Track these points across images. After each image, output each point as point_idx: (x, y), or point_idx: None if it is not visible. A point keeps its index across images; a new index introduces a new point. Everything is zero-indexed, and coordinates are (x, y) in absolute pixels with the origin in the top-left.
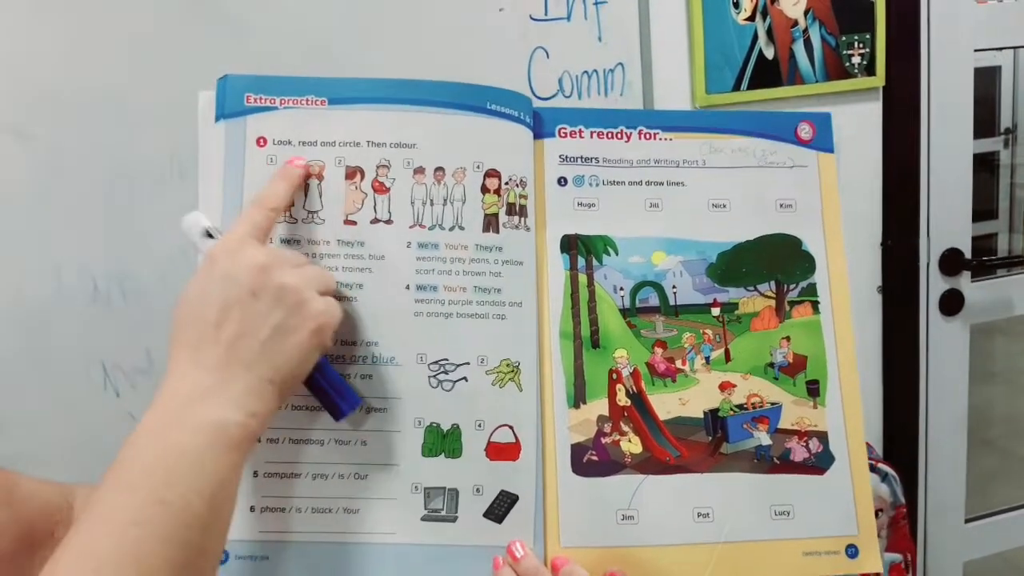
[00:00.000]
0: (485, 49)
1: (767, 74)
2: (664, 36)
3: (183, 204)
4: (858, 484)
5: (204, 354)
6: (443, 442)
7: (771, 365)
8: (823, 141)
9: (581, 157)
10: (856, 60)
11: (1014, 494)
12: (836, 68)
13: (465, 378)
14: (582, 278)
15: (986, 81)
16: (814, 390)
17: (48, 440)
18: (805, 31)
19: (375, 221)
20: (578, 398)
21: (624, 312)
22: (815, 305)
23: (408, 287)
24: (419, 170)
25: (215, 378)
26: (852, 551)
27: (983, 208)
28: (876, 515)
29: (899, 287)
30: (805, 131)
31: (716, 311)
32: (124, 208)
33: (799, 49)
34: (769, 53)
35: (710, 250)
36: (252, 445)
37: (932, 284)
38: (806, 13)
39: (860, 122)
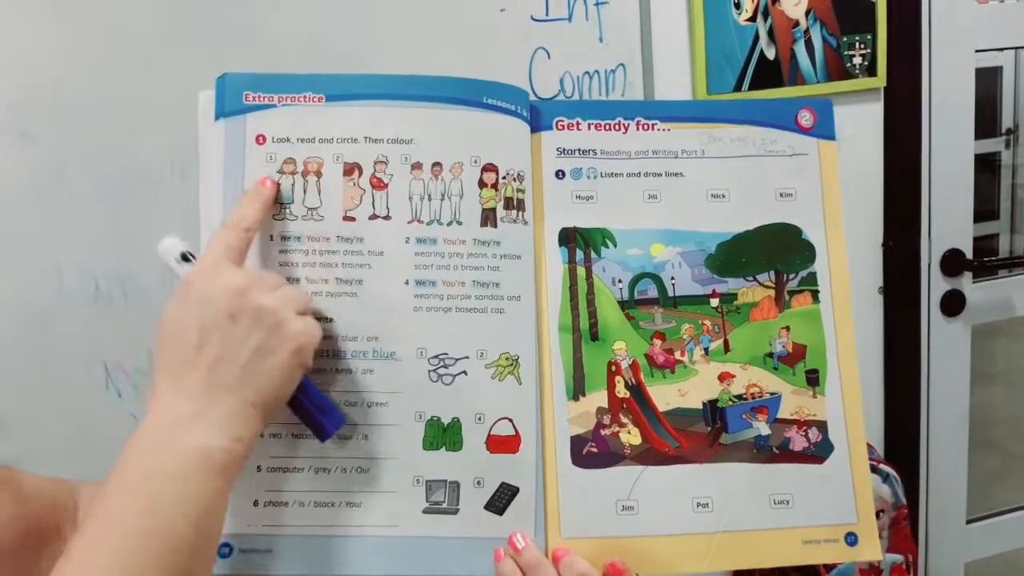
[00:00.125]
0: (486, 50)
1: (768, 74)
2: (665, 36)
3: (184, 204)
4: (857, 473)
5: (186, 380)
6: (444, 435)
7: (770, 355)
8: (824, 128)
9: (579, 149)
10: (857, 60)
11: (1015, 495)
12: (837, 68)
13: (465, 372)
14: (580, 271)
15: (987, 81)
16: (813, 380)
17: (50, 440)
18: (806, 31)
19: (374, 217)
20: (577, 390)
21: (623, 304)
22: (815, 294)
23: (407, 282)
24: (416, 165)
25: (198, 404)
26: (851, 539)
27: (984, 209)
28: (877, 516)
29: (900, 288)
30: (806, 118)
31: (715, 302)
32: (125, 208)
33: (800, 49)
34: (770, 54)
35: (709, 241)
36: (238, 469)
37: (933, 285)
38: (807, 14)
39: (861, 122)
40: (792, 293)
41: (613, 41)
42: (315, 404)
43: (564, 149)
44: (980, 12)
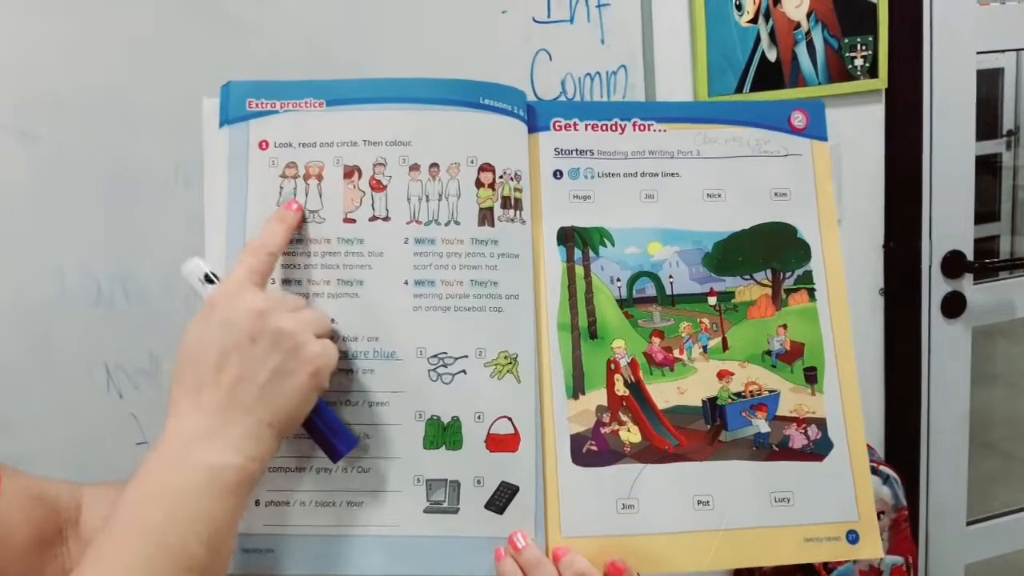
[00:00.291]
0: (488, 51)
1: (770, 76)
2: (667, 38)
3: (186, 206)
4: (857, 470)
5: (204, 398)
6: (444, 434)
7: (768, 353)
8: (817, 129)
9: (576, 150)
10: (859, 62)
11: (1015, 497)
12: (839, 70)
13: (464, 371)
14: (579, 270)
15: (989, 83)
16: (812, 377)
17: (51, 441)
18: (808, 33)
19: (373, 219)
20: (577, 389)
21: (621, 303)
22: (811, 292)
23: (406, 282)
24: (414, 167)
25: (215, 422)
26: (853, 537)
27: (986, 210)
28: (878, 517)
29: (901, 289)
30: (799, 119)
31: (713, 300)
32: (127, 210)
33: (802, 51)
34: (772, 55)
35: (706, 240)
36: (251, 488)
37: (934, 286)
38: (809, 15)
39: (862, 124)
40: (789, 291)
41: (615, 43)
42: (328, 425)
43: (561, 149)
44: (981, 14)
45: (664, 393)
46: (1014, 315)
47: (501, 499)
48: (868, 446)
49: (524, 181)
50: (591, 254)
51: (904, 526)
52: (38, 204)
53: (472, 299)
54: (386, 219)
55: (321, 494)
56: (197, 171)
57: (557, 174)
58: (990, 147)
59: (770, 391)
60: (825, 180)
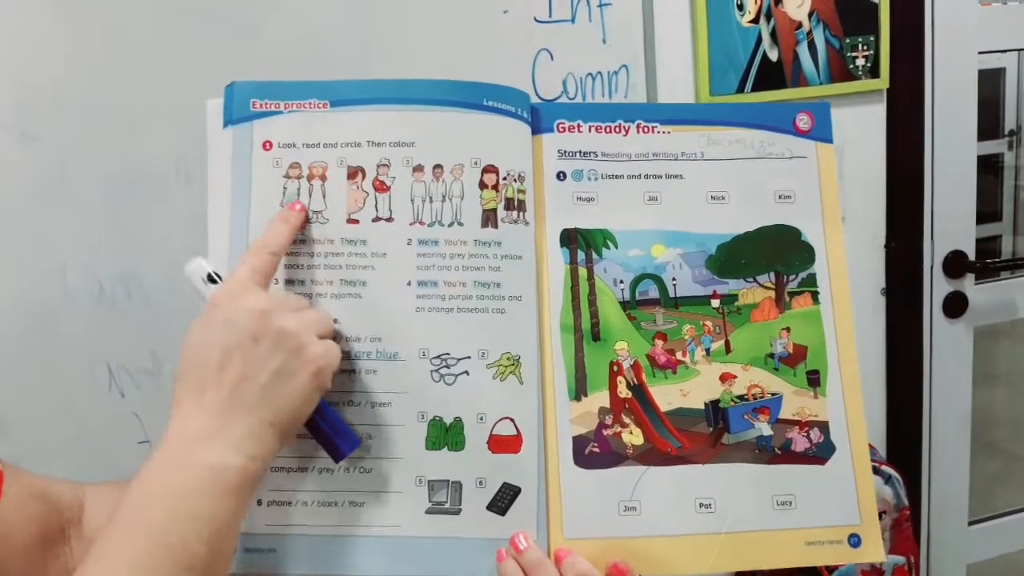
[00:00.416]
0: (489, 51)
1: (771, 76)
2: (668, 38)
3: (188, 204)
4: (860, 474)
5: (207, 397)
6: (446, 435)
7: (771, 356)
8: (822, 131)
9: (580, 151)
10: (860, 62)
11: (1017, 497)
12: (840, 70)
13: (467, 372)
14: (582, 271)
15: (990, 83)
16: (814, 380)
17: (53, 440)
18: (809, 33)
19: (377, 219)
20: (579, 390)
21: (624, 305)
22: (815, 295)
23: (409, 283)
24: (418, 168)
25: (217, 422)
26: (855, 540)
27: (987, 210)
28: (879, 517)
29: (903, 289)
30: (804, 121)
31: (716, 303)
32: (129, 209)
33: (803, 51)
34: (773, 55)
35: (709, 242)
36: (253, 488)
37: (936, 286)
38: (810, 15)
39: (864, 124)
40: (792, 294)
41: (616, 42)
42: (331, 426)
43: (565, 151)
44: (983, 14)
45: (667, 395)
46: (1016, 315)
47: (503, 500)
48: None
49: (527, 183)
50: (594, 256)
51: (906, 526)
52: (39, 204)
53: (475, 300)
54: (389, 220)
55: (323, 494)
56: (198, 169)
57: (560, 176)
58: (992, 147)
59: (773, 394)
60: (830, 182)
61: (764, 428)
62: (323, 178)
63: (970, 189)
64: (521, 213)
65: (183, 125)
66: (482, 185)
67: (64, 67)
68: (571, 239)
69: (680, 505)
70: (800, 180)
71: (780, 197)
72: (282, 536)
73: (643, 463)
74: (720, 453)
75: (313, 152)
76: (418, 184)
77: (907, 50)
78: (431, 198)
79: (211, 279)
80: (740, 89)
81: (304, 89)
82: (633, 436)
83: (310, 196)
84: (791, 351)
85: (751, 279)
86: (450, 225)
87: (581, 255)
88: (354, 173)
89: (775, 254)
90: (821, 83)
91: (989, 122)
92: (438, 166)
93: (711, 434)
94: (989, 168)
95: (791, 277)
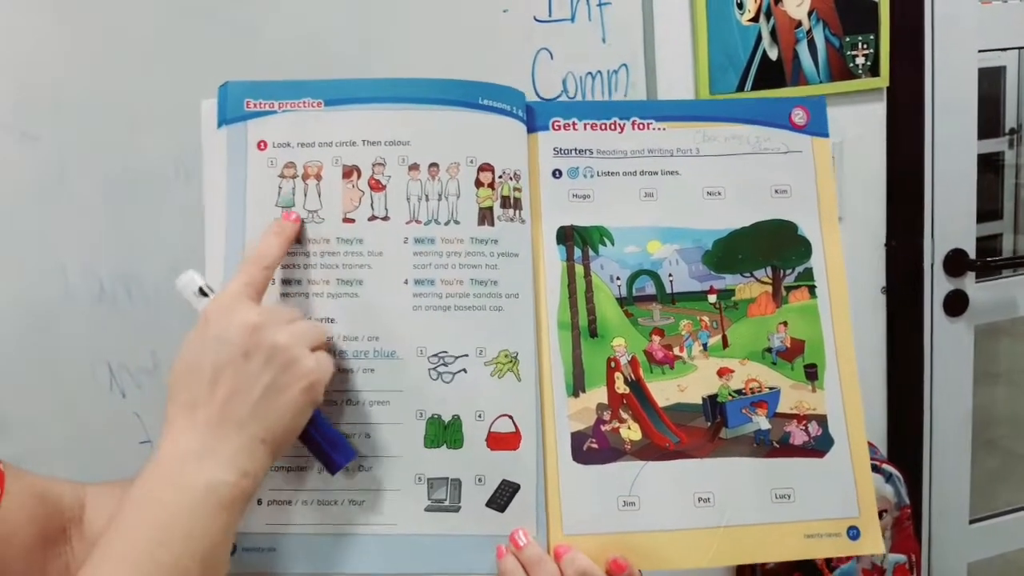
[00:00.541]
0: (489, 50)
1: (771, 75)
2: (668, 37)
3: (188, 204)
4: (858, 466)
5: (199, 414)
6: (444, 433)
7: (769, 350)
8: (818, 126)
9: (575, 149)
10: (860, 61)
11: (1018, 495)
12: (840, 69)
13: (464, 370)
14: (579, 268)
15: (991, 81)
16: (812, 374)
17: (54, 440)
18: (809, 32)
19: (373, 218)
20: (577, 387)
21: (621, 301)
22: (812, 290)
23: (406, 282)
24: (414, 167)
25: (209, 439)
26: (854, 533)
27: (988, 208)
28: (880, 516)
29: (903, 287)
30: (799, 116)
31: (713, 298)
32: (130, 209)
33: (803, 50)
34: (773, 54)
35: (706, 238)
36: (245, 503)
37: (936, 285)
38: (810, 14)
39: (864, 123)
40: (789, 289)
41: (616, 42)
42: (326, 438)
43: (560, 149)
44: (983, 12)
45: (664, 391)
46: (1016, 313)
47: (502, 497)
48: (871, 444)
49: (523, 181)
50: (591, 253)
51: (907, 524)
52: (39, 204)
53: (472, 298)
54: (385, 219)
55: (322, 493)
56: (198, 168)
57: (556, 173)
58: (992, 145)
59: (770, 388)
60: (826, 177)
61: (762, 422)
62: (318, 177)
63: (970, 187)
64: (517, 211)
65: (183, 125)
66: (478, 183)
67: (64, 67)
68: (567, 236)
69: (679, 500)
70: (796, 175)
71: (776, 192)
72: (282, 535)
73: (641, 458)
74: (718, 447)
75: (308, 151)
76: (414, 183)
77: (907, 49)
78: (427, 196)
79: (202, 292)
80: (740, 88)
81: (298, 88)
82: (631, 431)
83: (305, 195)
84: (788, 345)
85: (748, 274)
86: (446, 223)
87: (577, 252)
88: (349, 172)
89: (772, 249)
90: (821, 82)
91: (989, 120)
92: (434, 164)
93: (709, 428)
94: (989, 166)
95: (788, 271)
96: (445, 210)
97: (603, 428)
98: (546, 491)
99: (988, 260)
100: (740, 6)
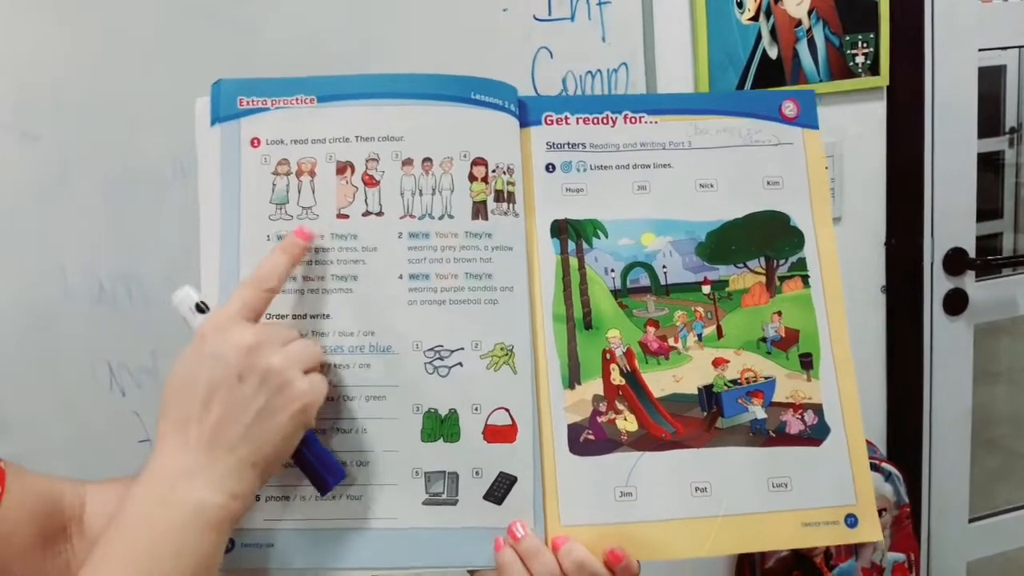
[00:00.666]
0: (489, 49)
1: (771, 74)
2: (668, 36)
3: (188, 204)
4: (855, 454)
5: (189, 435)
6: (441, 427)
7: (763, 340)
8: (807, 118)
9: (568, 143)
10: (860, 60)
11: (1018, 494)
12: (840, 68)
13: (460, 363)
14: (573, 261)
15: (991, 80)
16: (807, 363)
17: (54, 439)
18: (809, 31)
19: (367, 214)
20: (573, 379)
21: (615, 293)
22: (805, 279)
23: (401, 277)
24: (407, 162)
25: (199, 460)
26: (851, 520)
27: (988, 207)
28: (880, 515)
29: (903, 286)
30: (789, 109)
31: (707, 289)
32: (129, 208)
33: (803, 49)
34: (773, 53)
35: (699, 229)
36: (234, 524)
37: (936, 283)
38: (810, 13)
39: (864, 122)
40: (783, 279)
41: (616, 40)
42: (318, 458)
43: (553, 143)
44: (983, 11)
45: (660, 382)
46: (1016, 312)
47: (500, 490)
48: (870, 443)
49: (517, 175)
50: (585, 246)
51: (906, 523)
52: (39, 204)
53: (467, 292)
54: (379, 214)
55: None
56: (195, 163)
57: (549, 167)
58: (992, 144)
59: (766, 378)
60: (817, 168)
61: (758, 411)
62: (312, 174)
63: (970, 186)
64: (511, 205)
65: (182, 125)
66: (471, 178)
67: (64, 67)
68: (561, 230)
69: (676, 490)
70: (787, 166)
71: (768, 183)
72: (280, 531)
73: (638, 449)
74: (715, 437)
75: (301, 148)
76: (408, 178)
77: (907, 47)
78: (421, 191)
79: (199, 308)
80: (740, 87)
81: (291, 85)
82: (627, 422)
83: (299, 192)
84: (783, 335)
85: (741, 265)
86: (440, 218)
87: (572, 245)
88: (343, 168)
89: (764, 239)
90: (821, 80)
91: (990, 119)
92: (427, 159)
93: (705, 419)
94: (990, 165)
95: (781, 262)
96: (439, 205)
97: (599, 419)
98: (543, 483)
99: (988, 259)
100: (740, 5)
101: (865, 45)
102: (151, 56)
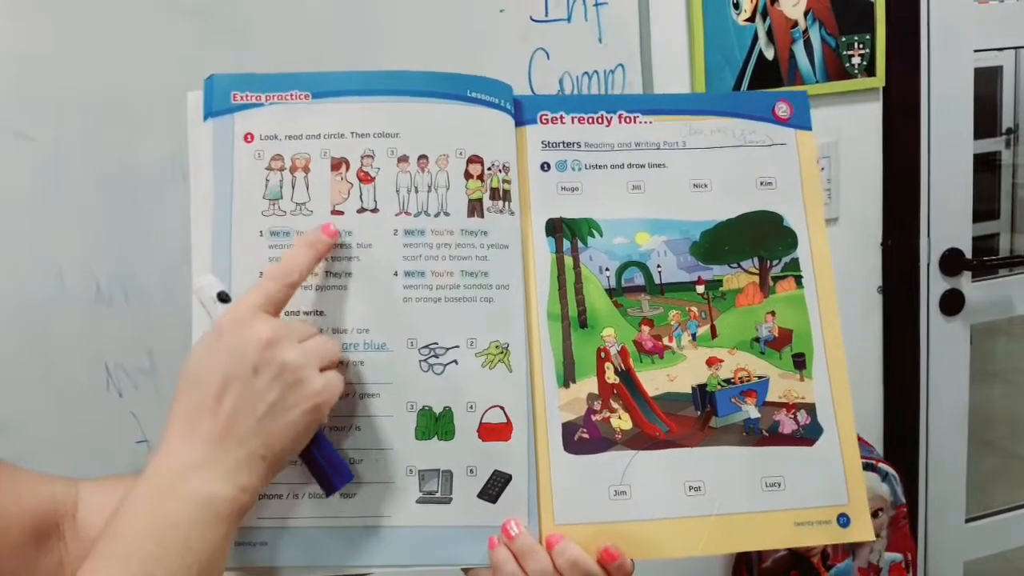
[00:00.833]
0: (486, 50)
1: (767, 75)
2: (664, 37)
3: (185, 205)
4: (847, 454)
5: (201, 426)
6: (436, 425)
7: (757, 340)
8: (801, 119)
9: (563, 142)
10: (856, 60)
11: (1014, 494)
12: (836, 69)
13: (455, 361)
14: (568, 260)
15: (987, 81)
16: (800, 363)
17: (51, 440)
18: (805, 32)
19: (362, 210)
20: (567, 377)
21: (610, 292)
22: (798, 279)
23: (396, 274)
24: (403, 158)
25: (209, 451)
26: (843, 520)
27: (984, 208)
28: (876, 515)
29: (899, 287)
30: (783, 110)
31: (701, 288)
32: (126, 209)
33: (799, 50)
34: (769, 54)
35: (693, 229)
36: (242, 517)
37: (932, 284)
38: (806, 14)
39: (860, 122)
40: (776, 279)
41: (612, 41)
42: (326, 459)
43: (548, 142)
44: (979, 12)
45: (654, 381)
46: (1012, 313)
47: (494, 488)
48: (867, 443)
49: (512, 173)
50: (580, 245)
51: (903, 523)
52: (37, 204)
53: (463, 289)
54: (375, 211)
55: (314, 487)
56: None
57: (544, 166)
58: (989, 145)
59: (759, 377)
60: (810, 169)
61: (751, 411)
62: (306, 170)
63: (966, 187)
64: (506, 203)
65: (180, 125)
66: (467, 175)
67: (61, 67)
68: (556, 228)
69: (670, 489)
70: (781, 167)
71: (762, 184)
72: (274, 529)
73: (632, 448)
74: (708, 436)
75: (296, 144)
76: (403, 175)
77: (903, 48)
78: (416, 188)
79: (221, 298)
80: (736, 88)
81: (285, 81)
82: (622, 421)
83: (293, 188)
84: (776, 335)
85: (735, 265)
86: (436, 215)
87: (566, 244)
88: (338, 164)
89: (758, 240)
90: (817, 81)
91: (986, 120)
92: (423, 156)
93: (699, 418)
94: (986, 166)
95: (774, 262)
96: (435, 202)
97: (594, 418)
98: (538, 481)
99: (984, 259)
100: (736, 6)
101: (861, 46)
102: (150, 56)
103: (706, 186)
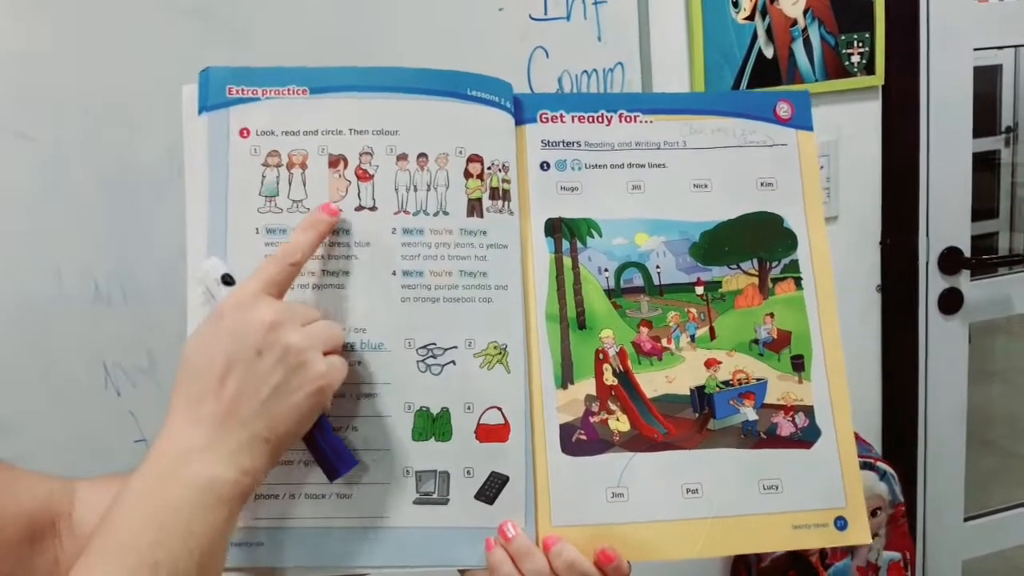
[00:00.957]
0: (485, 49)
1: (766, 73)
2: (664, 35)
3: (183, 205)
4: (845, 457)
5: (204, 409)
6: (433, 426)
7: (756, 341)
8: (802, 119)
9: (563, 142)
10: (855, 59)
11: (1013, 493)
12: (835, 67)
13: (453, 361)
14: (567, 261)
15: (987, 80)
16: (799, 365)
17: (50, 439)
18: (804, 30)
19: (360, 208)
20: (565, 378)
21: (609, 293)
22: (798, 281)
23: (394, 273)
24: (402, 156)
25: (211, 434)
26: (841, 523)
27: (984, 207)
28: (875, 514)
29: (898, 286)
30: (784, 110)
31: (700, 290)
32: (125, 208)
33: (798, 48)
34: (768, 52)
35: (692, 230)
36: (244, 501)
37: (931, 282)
38: (805, 12)
39: (859, 121)
40: (775, 280)
41: (612, 40)
42: (330, 444)
43: (548, 141)
44: (979, 10)
45: (652, 382)
46: (1011, 311)
47: (491, 489)
48: (866, 442)
49: (512, 173)
50: (579, 245)
51: (901, 522)
52: (35, 204)
53: (461, 290)
54: (373, 209)
55: (310, 487)
56: None
57: (544, 166)
58: (988, 144)
59: (757, 379)
60: (811, 170)
61: (749, 413)
62: (303, 166)
63: (965, 186)
64: (506, 203)
65: (178, 125)
66: (467, 174)
67: (63, 67)
68: (555, 228)
69: (667, 491)
70: (781, 167)
71: (762, 184)
72: (270, 529)
73: (630, 449)
74: (706, 438)
75: (293, 140)
76: (402, 173)
77: (903, 47)
78: (415, 187)
79: (225, 281)
80: (735, 86)
81: (283, 75)
82: (619, 423)
83: (290, 185)
84: (775, 336)
85: (734, 266)
86: (435, 214)
87: (566, 244)
88: (336, 161)
89: (758, 241)
90: (816, 80)
91: (985, 119)
92: (422, 155)
93: (697, 420)
94: (986, 165)
95: (774, 264)
96: (434, 201)
97: (592, 420)
98: (535, 483)
99: (983, 258)
100: (736, 4)
101: (861, 44)
102: (149, 56)
103: (706, 186)
